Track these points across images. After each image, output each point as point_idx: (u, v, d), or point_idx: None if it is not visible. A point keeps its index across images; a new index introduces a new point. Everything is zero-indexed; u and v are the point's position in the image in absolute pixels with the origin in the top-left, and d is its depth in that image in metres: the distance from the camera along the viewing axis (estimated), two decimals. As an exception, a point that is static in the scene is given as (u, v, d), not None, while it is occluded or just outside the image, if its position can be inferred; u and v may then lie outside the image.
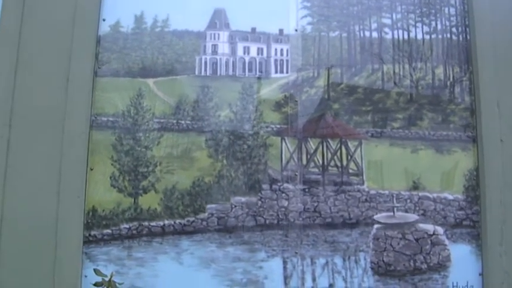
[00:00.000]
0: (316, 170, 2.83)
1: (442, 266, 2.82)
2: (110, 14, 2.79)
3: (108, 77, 2.76)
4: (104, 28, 2.78)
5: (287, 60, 2.91)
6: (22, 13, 2.65)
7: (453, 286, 2.80)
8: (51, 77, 2.63)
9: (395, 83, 2.98)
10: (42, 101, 2.60)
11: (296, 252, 2.74)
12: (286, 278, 2.72)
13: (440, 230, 2.85)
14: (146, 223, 2.67)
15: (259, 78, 2.88)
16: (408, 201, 2.86)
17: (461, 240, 2.88)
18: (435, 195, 2.88)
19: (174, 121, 2.77)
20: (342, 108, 2.91)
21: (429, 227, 2.85)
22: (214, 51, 2.88)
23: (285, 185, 2.78)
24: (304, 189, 2.79)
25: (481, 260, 2.84)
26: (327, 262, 2.76)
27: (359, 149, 2.87)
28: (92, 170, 2.64)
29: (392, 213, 2.83)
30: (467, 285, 2.81)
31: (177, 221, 2.69)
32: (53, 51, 2.65)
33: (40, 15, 2.67)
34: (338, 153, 2.85)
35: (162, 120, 2.76)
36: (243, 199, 2.74)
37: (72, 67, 2.63)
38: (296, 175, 2.79)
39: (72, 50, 2.65)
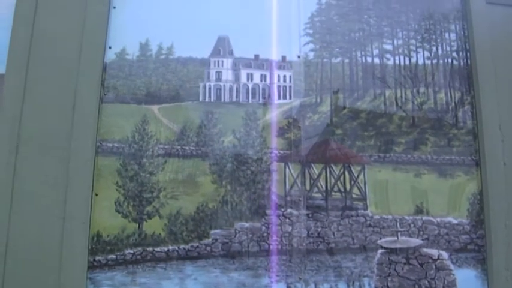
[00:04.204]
0: (319, 195, 2.84)
1: (447, 291, 2.81)
2: (116, 41, 2.83)
3: (114, 103, 2.79)
4: (110, 55, 2.82)
5: (290, 87, 2.94)
6: (30, 41, 2.69)
7: (459, 311, 2.78)
8: (58, 104, 2.66)
9: (398, 105, 3.00)
10: (48, 127, 2.63)
11: (300, 278, 2.73)
12: (290, 304, 2.71)
13: (445, 254, 2.84)
14: (150, 248, 2.67)
15: (262, 104, 2.92)
16: (412, 225, 2.85)
17: (467, 264, 2.87)
18: (439, 219, 2.88)
19: (179, 147, 2.79)
20: (344, 134, 2.94)
21: (434, 252, 2.84)
22: (218, 77, 2.92)
23: (289, 210, 2.78)
24: (307, 215, 2.79)
25: (487, 285, 2.83)
26: (330, 287, 2.75)
27: (362, 174, 2.88)
28: (97, 195, 2.65)
29: (396, 238, 2.83)
30: (473, 311, 2.79)
31: (181, 247, 2.69)
32: (60, 78, 2.69)
33: (48, 43, 2.71)
34: (341, 178, 2.86)
35: (166, 146, 2.78)
36: (247, 224, 2.75)
37: (79, 93, 2.67)
38: (300, 200, 2.80)
39: (79, 77, 2.68)
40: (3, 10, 2.74)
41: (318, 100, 2.96)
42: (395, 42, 3.08)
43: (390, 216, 2.85)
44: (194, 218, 2.72)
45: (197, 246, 2.70)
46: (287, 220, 2.76)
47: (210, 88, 2.90)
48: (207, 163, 2.79)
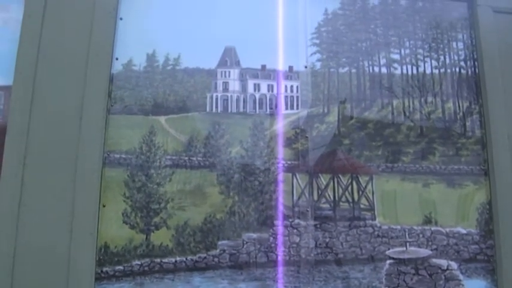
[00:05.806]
0: (327, 205, 2.83)
1: (457, 302, 2.79)
2: (123, 53, 2.83)
3: (121, 115, 2.79)
4: (117, 67, 2.82)
5: (297, 97, 2.94)
6: (37, 53, 2.70)
7: (469, 322, 2.77)
8: (65, 115, 2.66)
9: (405, 115, 2.99)
10: (55, 139, 2.63)
11: (308, 289, 2.72)
12: (298, 315, 2.70)
13: (454, 265, 2.82)
14: (158, 259, 2.67)
15: (269, 114, 2.91)
16: (421, 236, 2.84)
17: (476, 275, 2.85)
18: (448, 229, 2.86)
19: (186, 158, 2.79)
20: (352, 144, 2.93)
21: (443, 262, 2.82)
22: (225, 88, 2.92)
23: (297, 220, 2.77)
24: (315, 225, 2.78)
25: (497, 296, 2.81)
26: (339, 299, 2.74)
27: (370, 184, 2.87)
28: (104, 206, 2.65)
29: (404, 248, 2.81)
30: (483, 321, 2.77)
31: (189, 258, 2.69)
32: (67, 90, 2.69)
33: (54, 55, 2.71)
34: (349, 189, 2.85)
35: (173, 157, 2.78)
36: (255, 235, 2.74)
37: (86, 105, 2.67)
38: (307, 211, 2.79)
39: (86, 88, 2.68)
40: (11, 22, 2.76)
41: (325, 110, 2.95)
42: (402, 51, 3.08)
43: (399, 227, 2.84)
44: (202, 229, 2.71)
45: (205, 257, 2.70)
46: (295, 231, 2.75)
47: (217, 99, 2.90)
48: (215, 174, 2.79)
